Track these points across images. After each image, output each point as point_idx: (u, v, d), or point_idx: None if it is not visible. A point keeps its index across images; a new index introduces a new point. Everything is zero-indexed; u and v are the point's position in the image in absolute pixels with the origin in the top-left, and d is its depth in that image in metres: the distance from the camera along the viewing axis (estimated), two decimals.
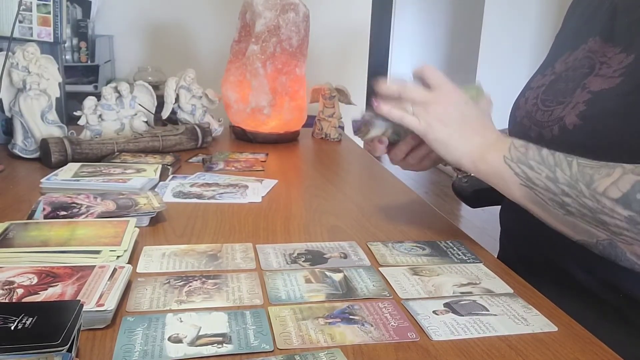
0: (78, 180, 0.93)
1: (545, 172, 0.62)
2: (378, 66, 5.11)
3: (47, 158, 1.06)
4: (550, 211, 0.63)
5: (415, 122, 0.69)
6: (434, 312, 0.57)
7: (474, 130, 0.69)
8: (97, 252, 0.64)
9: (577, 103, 0.68)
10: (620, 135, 0.61)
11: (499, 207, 0.88)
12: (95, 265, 0.60)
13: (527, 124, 0.75)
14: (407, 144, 0.76)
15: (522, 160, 0.64)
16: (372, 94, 0.75)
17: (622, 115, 0.62)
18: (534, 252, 0.77)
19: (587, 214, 0.59)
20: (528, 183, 0.64)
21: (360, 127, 0.77)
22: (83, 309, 0.46)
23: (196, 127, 1.29)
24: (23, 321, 0.42)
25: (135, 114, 1.25)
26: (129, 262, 0.64)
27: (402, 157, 0.78)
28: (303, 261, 0.69)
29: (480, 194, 0.89)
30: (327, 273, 0.65)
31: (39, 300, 0.53)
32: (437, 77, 0.70)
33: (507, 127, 0.92)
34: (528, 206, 0.66)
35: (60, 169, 0.99)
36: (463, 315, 0.57)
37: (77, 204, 0.80)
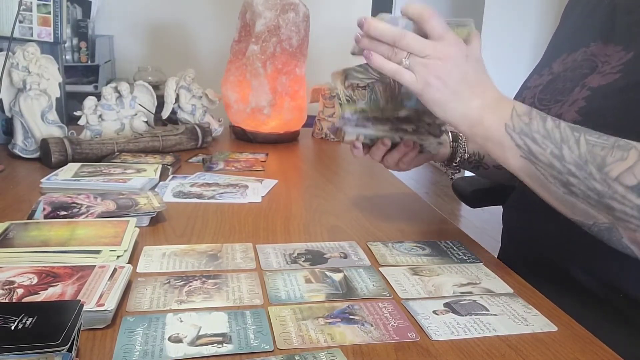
0: (78, 180, 0.93)
1: (551, 148, 0.58)
2: None
3: (47, 158, 1.06)
4: (549, 188, 0.60)
5: (411, 78, 0.61)
6: (434, 312, 0.57)
7: (473, 91, 0.62)
8: (97, 252, 0.64)
9: (576, 100, 0.67)
10: (619, 131, 0.61)
11: (499, 207, 0.88)
12: (95, 265, 0.60)
13: None
14: (380, 145, 0.75)
15: (525, 132, 0.59)
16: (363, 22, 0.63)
17: (621, 111, 0.62)
18: (536, 252, 0.77)
19: (592, 196, 0.57)
20: (530, 157, 0.59)
21: (336, 132, 0.75)
22: (83, 309, 0.46)
23: (196, 127, 1.29)
24: (23, 321, 0.42)
25: (135, 114, 1.25)
26: (129, 262, 0.64)
27: (380, 157, 0.77)
28: (303, 261, 0.69)
29: (480, 194, 0.89)
30: (327, 273, 0.65)
31: (39, 300, 0.53)
32: (440, 25, 0.61)
33: None
34: (525, 179, 0.62)
35: (61, 169, 0.99)
36: (463, 315, 0.57)
37: (77, 204, 0.80)
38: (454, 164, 0.85)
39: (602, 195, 0.56)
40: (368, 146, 0.77)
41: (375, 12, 3.02)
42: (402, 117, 0.74)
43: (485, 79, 0.64)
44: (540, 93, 0.75)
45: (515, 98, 0.81)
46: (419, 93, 0.62)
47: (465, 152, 0.84)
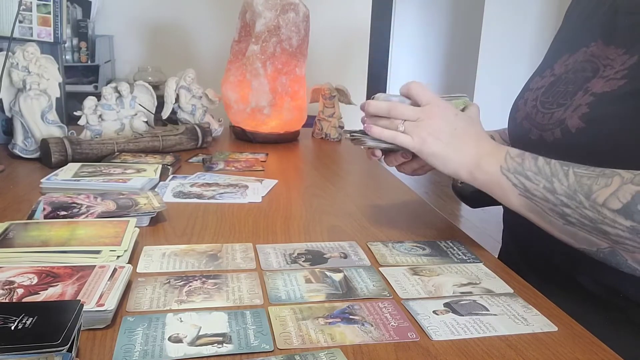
0: (78, 180, 0.93)
1: (543, 183, 0.63)
2: (378, 66, 5.11)
3: (47, 158, 1.06)
4: (550, 220, 0.64)
5: (408, 139, 0.70)
6: (434, 312, 0.57)
7: (468, 141, 0.69)
8: (97, 252, 0.64)
9: (580, 105, 0.67)
10: (624, 138, 0.61)
11: (499, 207, 0.88)
12: (95, 265, 0.60)
13: (528, 126, 0.75)
14: (399, 156, 0.77)
15: (519, 171, 0.65)
16: (369, 97, 0.76)
17: (626, 118, 0.62)
18: (537, 252, 0.77)
19: (587, 224, 0.60)
20: (526, 193, 0.64)
21: (354, 141, 0.78)
22: (83, 309, 0.46)
23: (196, 127, 1.29)
24: (23, 321, 0.42)
25: (135, 114, 1.25)
26: (129, 262, 0.64)
27: (397, 164, 0.79)
28: (303, 261, 0.69)
29: (480, 194, 0.89)
30: (327, 273, 0.65)
31: (39, 300, 0.53)
32: (425, 93, 0.71)
33: (506, 127, 0.92)
34: (527, 215, 0.66)
35: (61, 169, 0.99)
36: (463, 315, 0.57)
37: (77, 204, 0.80)
38: None
39: (595, 222, 0.59)
40: (385, 152, 0.78)
41: (375, 12, 3.01)
42: None
43: (479, 132, 0.72)
44: (542, 95, 0.75)
45: (518, 99, 0.81)
46: (417, 151, 0.70)
47: None
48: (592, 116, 0.65)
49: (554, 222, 0.63)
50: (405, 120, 0.70)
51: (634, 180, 0.57)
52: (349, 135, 0.78)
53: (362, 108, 0.74)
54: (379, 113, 0.72)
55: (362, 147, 0.77)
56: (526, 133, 0.75)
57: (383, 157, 0.79)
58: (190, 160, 1.18)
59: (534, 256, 0.78)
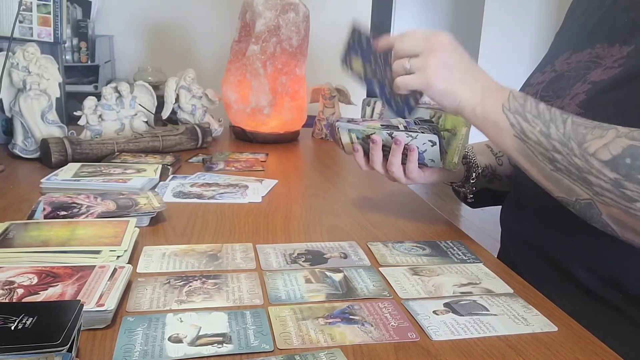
0: (78, 180, 0.93)
1: (540, 127, 0.62)
2: None
3: (47, 158, 1.06)
4: (538, 165, 0.63)
5: (416, 80, 0.68)
6: (434, 312, 0.57)
7: (474, 76, 0.68)
8: (97, 252, 0.64)
9: (577, 94, 0.68)
10: (619, 123, 0.61)
11: (499, 207, 0.88)
12: (95, 265, 0.60)
13: None
14: (377, 152, 0.78)
15: (519, 112, 0.64)
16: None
17: (622, 103, 0.63)
18: (535, 252, 0.77)
19: (574, 172, 0.60)
20: (521, 135, 0.64)
21: (333, 135, 0.80)
22: (83, 309, 0.46)
23: (196, 127, 1.29)
24: (23, 321, 0.42)
25: (135, 114, 1.25)
26: (129, 262, 0.64)
27: (380, 165, 0.79)
28: (303, 261, 0.69)
29: (480, 194, 0.89)
30: (327, 273, 0.65)
31: (39, 300, 0.53)
32: (423, 31, 0.69)
33: None
34: (517, 158, 0.66)
35: (61, 169, 0.99)
36: (463, 315, 0.57)
37: (77, 204, 0.80)
38: (472, 181, 0.85)
39: (582, 170, 0.59)
40: (367, 154, 0.79)
41: (375, 12, 3.01)
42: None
43: (481, 70, 0.70)
44: (542, 90, 0.75)
45: None
46: (425, 89, 0.68)
47: (478, 167, 0.85)
48: (589, 102, 0.66)
49: (542, 167, 0.63)
50: (410, 58, 0.68)
51: (629, 135, 0.57)
52: (325, 124, 0.81)
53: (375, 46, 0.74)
54: (386, 47, 0.72)
55: (342, 145, 0.80)
56: None
57: (366, 161, 0.80)
58: (190, 160, 1.18)
59: (531, 255, 0.78)
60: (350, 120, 0.80)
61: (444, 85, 0.68)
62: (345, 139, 0.80)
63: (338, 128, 0.79)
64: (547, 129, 0.62)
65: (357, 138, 0.79)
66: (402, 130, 0.76)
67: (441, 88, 0.68)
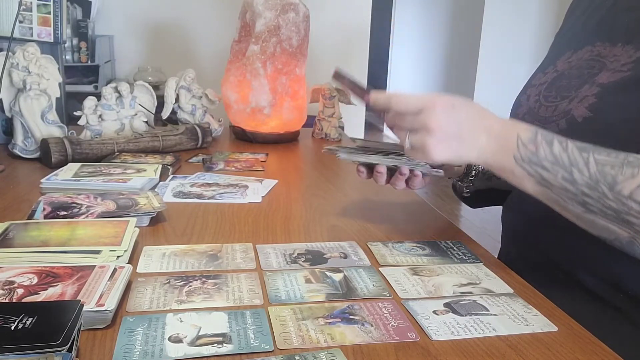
0: (78, 180, 0.93)
1: (561, 173, 0.59)
2: (378, 66, 5.11)
3: (47, 158, 1.06)
4: (568, 208, 0.61)
5: (419, 155, 0.67)
6: (434, 312, 0.57)
7: (476, 133, 0.65)
8: (97, 252, 0.64)
9: (586, 96, 0.67)
10: (630, 127, 0.61)
11: (499, 207, 0.88)
12: (95, 265, 0.60)
13: (530, 120, 0.75)
14: (381, 176, 0.77)
15: (534, 161, 0.61)
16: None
17: (632, 107, 0.62)
18: (536, 252, 0.77)
19: (610, 214, 0.58)
20: (544, 183, 0.61)
21: (330, 152, 0.80)
22: (83, 309, 0.46)
23: (196, 127, 1.29)
24: (23, 321, 0.42)
25: (135, 114, 1.25)
26: (129, 262, 0.64)
27: (383, 183, 0.79)
28: (303, 261, 0.69)
29: (480, 194, 0.89)
30: (327, 273, 0.65)
31: (39, 300, 0.53)
32: (409, 101, 0.66)
33: None
34: (545, 201, 0.63)
35: (61, 169, 0.99)
36: (463, 315, 0.57)
37: (77, 204, 0.80)
38: (470, 177, 0.85)
39: (619, 212, 0.57)
40: (369, 170, 0.79)
41: (375, 12, 3.00)
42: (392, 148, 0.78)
43: (482, 111, 0.66)
44: (545, 90, 0.75)
45: (520, 96, 0.81)
46: (430, 162, 0.69)
47: (478, 165, 0.84)
48: (599, 105, 0.64)
49: (572, 210, 0.61)
50: (409, 133, 0.67)
51: None
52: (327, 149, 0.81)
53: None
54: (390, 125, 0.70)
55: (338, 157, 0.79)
56: None
57: (368, 176, 0.79)
58: (190, 160, 1.18)
59: (533, 256, 0.78)
60: (352, 150, 0.79)
61: (447, 157, 0.66)
62: (343, 159, 0.79)
63: (340, 158, 0.78)
64: (570, 175, 0.59)
65: (360, 164, 0.79)
66: (404, 157, 0.74)
67: (445, 160, 0.66)
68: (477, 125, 0.65)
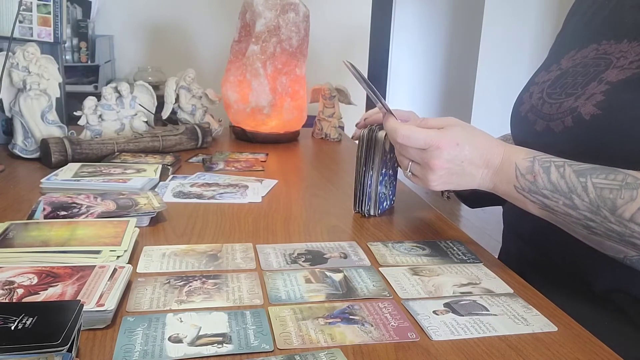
0: (78, 180, 0.93)
1: (562, 200, 0.61)
2: (378, 66, 5.11)
3: (47, 158, 1.06)
4: (574, 231, 0.63)
5: (420, 182, 0.71)
6: (434, 312, 0.57)
7: (477, 166, 0.68)
8: (97, 252, 0.64)
9: (594, 94, 0.66)
10: (639, 126, 0.60)
11: (499, 207, 0.88)
12: (95, 265, 0.60)
13: (533, 117, 0.74)
14: None
15: (534, 190, 0.63)
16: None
17: None
18: (538, 251, 0.77)
19: (614, 236, 0.59)
20: (547, 209, 0.63)
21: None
22: (83, 309, 0.46)
23: (196, 127, 1.29)
24: (23, 321, 0.42)
25: (135, 114, 1.25)
26: (129, 262, 0.64)
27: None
28: (303, 261, 0.69)
29: (479, 194, 0.89)
30: (327, 273, 0.65)
31: (39, 300, 0.53)
32: (417, 137, 0.68)
33: (505, 133, 0.92)
34: (552, 222, 0.65)
35: (60, 169, 0.99)
36: (463, 315, 0.57)
37: (77, 204, 0.80)
38: None
39: (623, 235, 0.57)
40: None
41: (375, 12, 3.00)
42: None
43: (485, 144, 0.68)
44: (548, 88, 0.74)
45: (522, 93, 0.81)
46: (433, 190, 0.71)
47: None
48: (608, 103, 0.64)
49: (579, 232, 0.63)
50: (411, 162, 0.70)
51: None
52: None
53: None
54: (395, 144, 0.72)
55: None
56: (531, 125, 0.74)
57: None
58: (190, 160, 1.18)
59: (534, 256, 0.78)
60: (361, 79, 0.76)
61: (447, 188, 0.70)
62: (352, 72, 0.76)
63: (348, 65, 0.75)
64: (570, 202, 0.60)
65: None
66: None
67: (447, 189, 0.72)
68: (478, 161, 0.67)
